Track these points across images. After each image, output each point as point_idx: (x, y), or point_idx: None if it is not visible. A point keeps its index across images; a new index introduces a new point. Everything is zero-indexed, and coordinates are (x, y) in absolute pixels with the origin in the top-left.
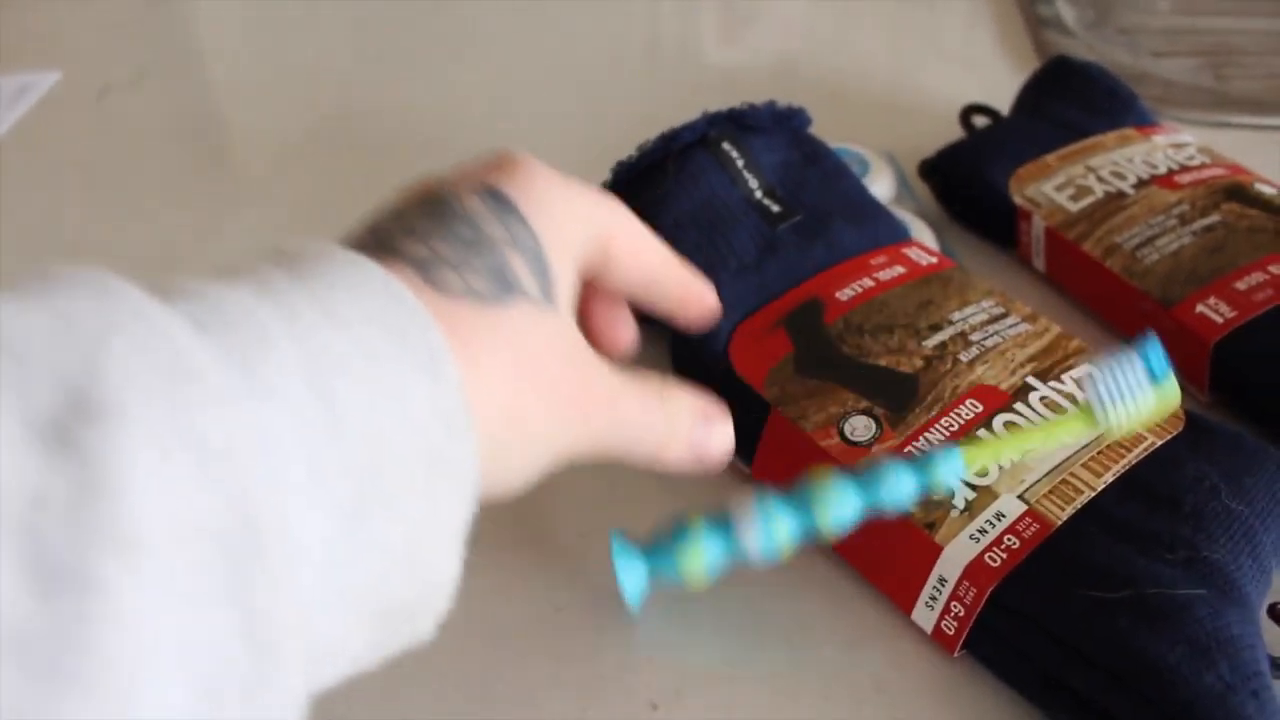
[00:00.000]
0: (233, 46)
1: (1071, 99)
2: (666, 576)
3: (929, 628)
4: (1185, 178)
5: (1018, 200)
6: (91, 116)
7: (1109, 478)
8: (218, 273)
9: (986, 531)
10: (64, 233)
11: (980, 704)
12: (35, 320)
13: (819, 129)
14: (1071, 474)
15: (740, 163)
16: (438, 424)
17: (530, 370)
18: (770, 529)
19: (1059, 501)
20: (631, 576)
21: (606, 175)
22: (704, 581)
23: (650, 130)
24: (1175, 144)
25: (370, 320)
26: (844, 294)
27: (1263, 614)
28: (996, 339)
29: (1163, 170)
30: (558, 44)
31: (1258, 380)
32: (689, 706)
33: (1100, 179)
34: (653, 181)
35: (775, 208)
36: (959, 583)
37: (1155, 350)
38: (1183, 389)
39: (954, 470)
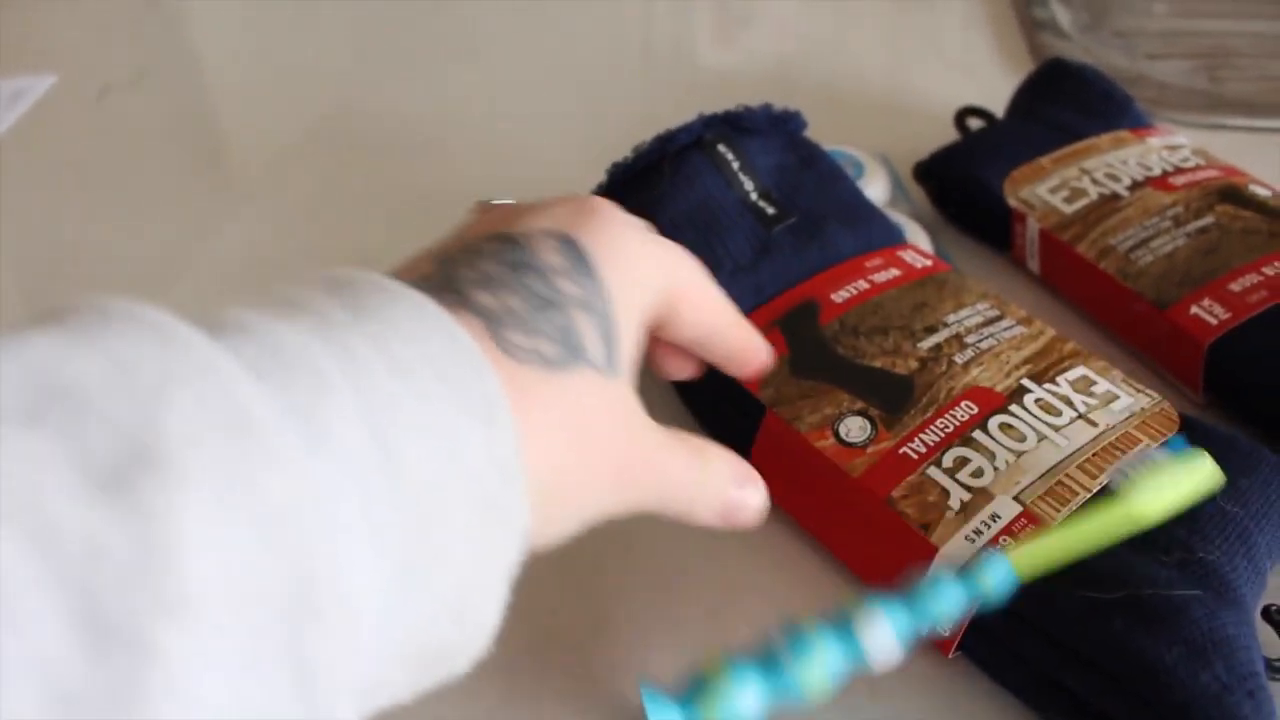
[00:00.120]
0: (231, 48)
1: (1066, 101)
2: (781, 692)
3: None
4: (1180, 180)
5: (1012, 202)
6: (90, 117)
7: (1104, 479)
8: (274, 301)
9: (982, 532)
10: (63, 233)
11: (975, 705)
12: (95, 367)
13: (814, 131)
14: (1067, 475)
15: (736, 165)
16: (492, 471)
17: (582, 435)
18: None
19: (1054, 503)
20: None
21: (602, 176)
22: (825, 692)
23: (646, 132)
24: (1170, 146)
25: (430, 366)
26: (839, 296)
27: (1258, 615)
28: (991, 341)
29: (1157, 172)
30: (554, 46)
31: (1252, 381)
32: None
33: (1095, 181)
34: (648, 183)
35: (770, 210)
36: None
37: (1180, 443)
38: (1176, 390)
39: (1003, 579)
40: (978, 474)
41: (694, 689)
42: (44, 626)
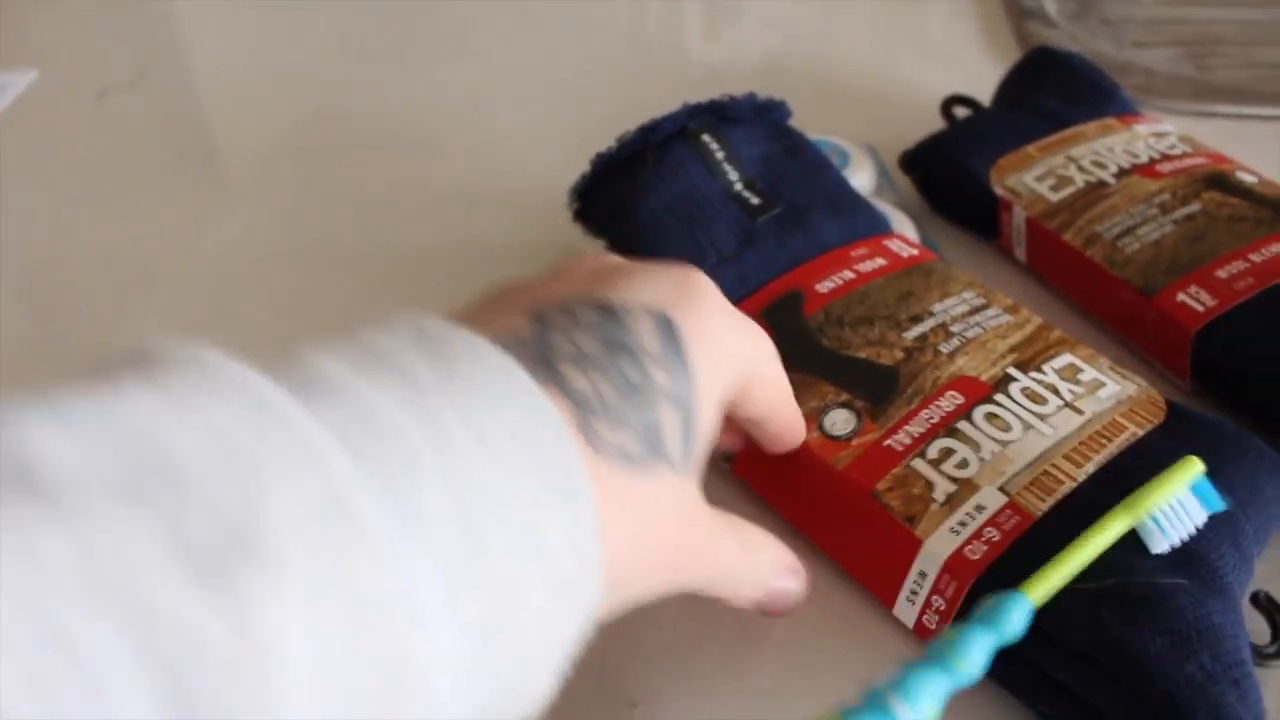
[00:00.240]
0: (222, 48)
1: (1053, 89)
2: None
3: (911, 622)
4: (1166, 167)
5: (999, 191)
6: (84, 117)
7: (1090, 468)
8: (361, 350)
9: (967, 524)
10: (54, 234)
11: (961, 697)
12: (194, 440)
13: (800, 121)
14: (1053, 465)
15: (720, 155)
16: (572, 558)
17: (648, 529)
18: None
19: (1040, 493)
20: None
21: (588, 168)
22: None
23: (635, 124)
24: (1156, 133)
25: (519, 445)
26: (824, 286)
27: (1246, 602)
28: (977, 330)
29: (1144, 159)
30: (543, 40)
31: (1239, 368)
32: (667, 705)
33: (1081, 169)
34: (632, 173)
35: (755, 200)
36: (940, 576)
37: (1207, 485)
38: (1164, 378)
39: (1027, 618)
40: (963, 465)
41: None
42: (135, 710)
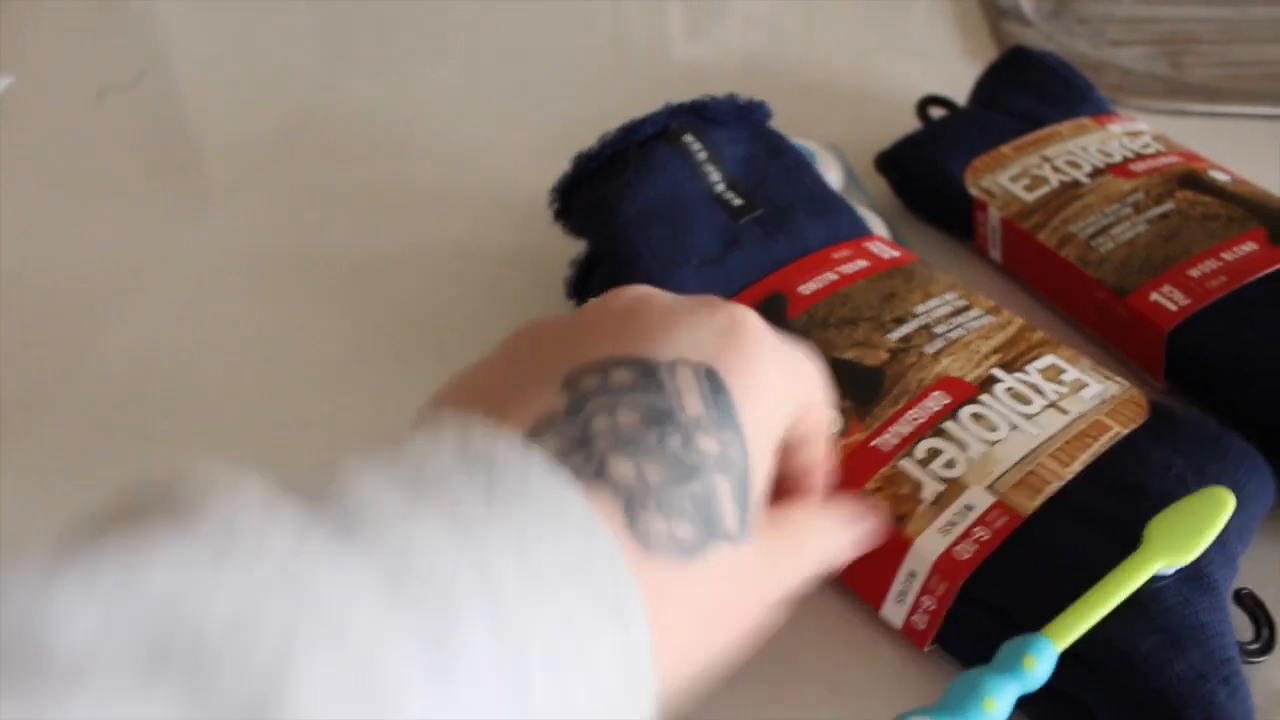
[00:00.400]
0: (204, 52)
1: (1027, 89)
2: None
3: (899, 623)
4: (1140, 166)
5: (973, 191)
6: (65, 124)
7: (1076, 467)
8: (405, 467)
9: (956, 524)
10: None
11: None
12: (220, 609)
13: (775, 120)
14: (1040, 464)
15: (702, 156)
16: (622, 689)
17: (707, 618)
18: None
19: (1027, 492)
20: None
21: (569, 167)
22: None
23: (616, 124)
24: (1130, 132)
25: (567, 574)
26: (807, 288)
27: (1230, 600)
28: (961, 331)
29: (1118, 159)
30: (525, 41)
31: (1212, 367)
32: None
33: (1055, 169)
34: (614, 174)
35: (737, 201)
36: (929, 577)
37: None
38: (1139, 376)
39: (1051, 660)
40: (950, 465)
41: None
42: None
